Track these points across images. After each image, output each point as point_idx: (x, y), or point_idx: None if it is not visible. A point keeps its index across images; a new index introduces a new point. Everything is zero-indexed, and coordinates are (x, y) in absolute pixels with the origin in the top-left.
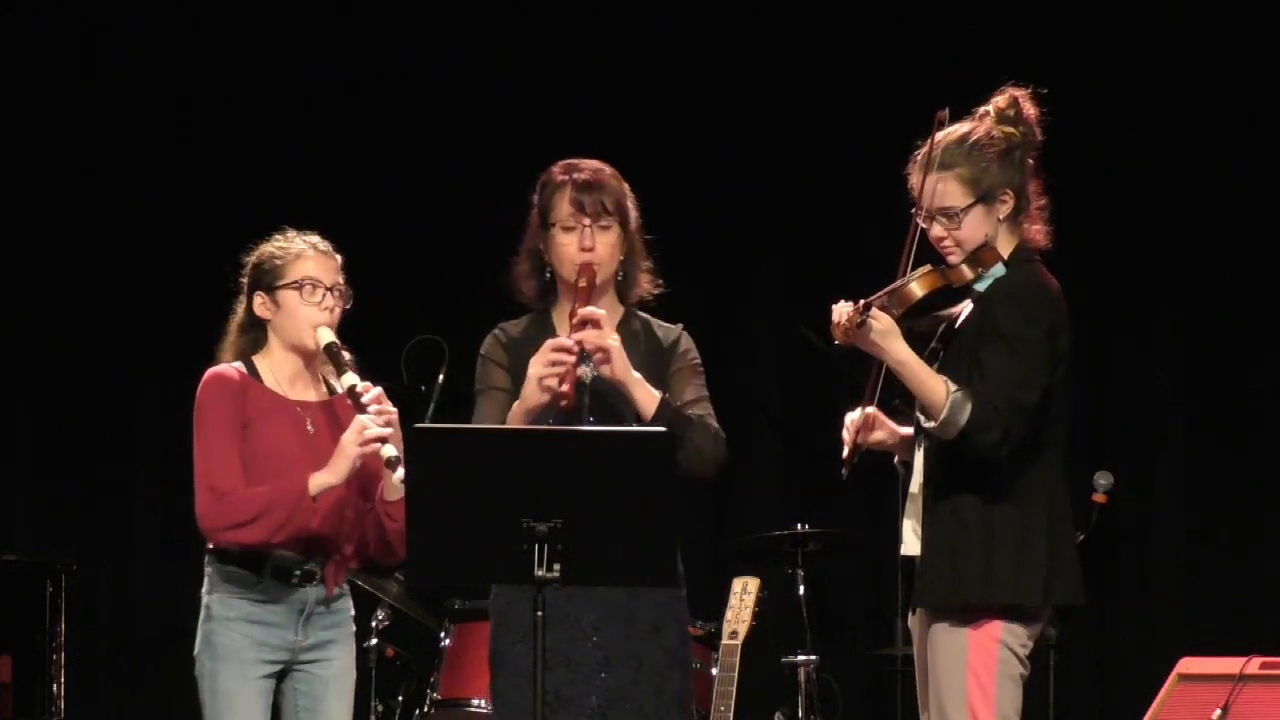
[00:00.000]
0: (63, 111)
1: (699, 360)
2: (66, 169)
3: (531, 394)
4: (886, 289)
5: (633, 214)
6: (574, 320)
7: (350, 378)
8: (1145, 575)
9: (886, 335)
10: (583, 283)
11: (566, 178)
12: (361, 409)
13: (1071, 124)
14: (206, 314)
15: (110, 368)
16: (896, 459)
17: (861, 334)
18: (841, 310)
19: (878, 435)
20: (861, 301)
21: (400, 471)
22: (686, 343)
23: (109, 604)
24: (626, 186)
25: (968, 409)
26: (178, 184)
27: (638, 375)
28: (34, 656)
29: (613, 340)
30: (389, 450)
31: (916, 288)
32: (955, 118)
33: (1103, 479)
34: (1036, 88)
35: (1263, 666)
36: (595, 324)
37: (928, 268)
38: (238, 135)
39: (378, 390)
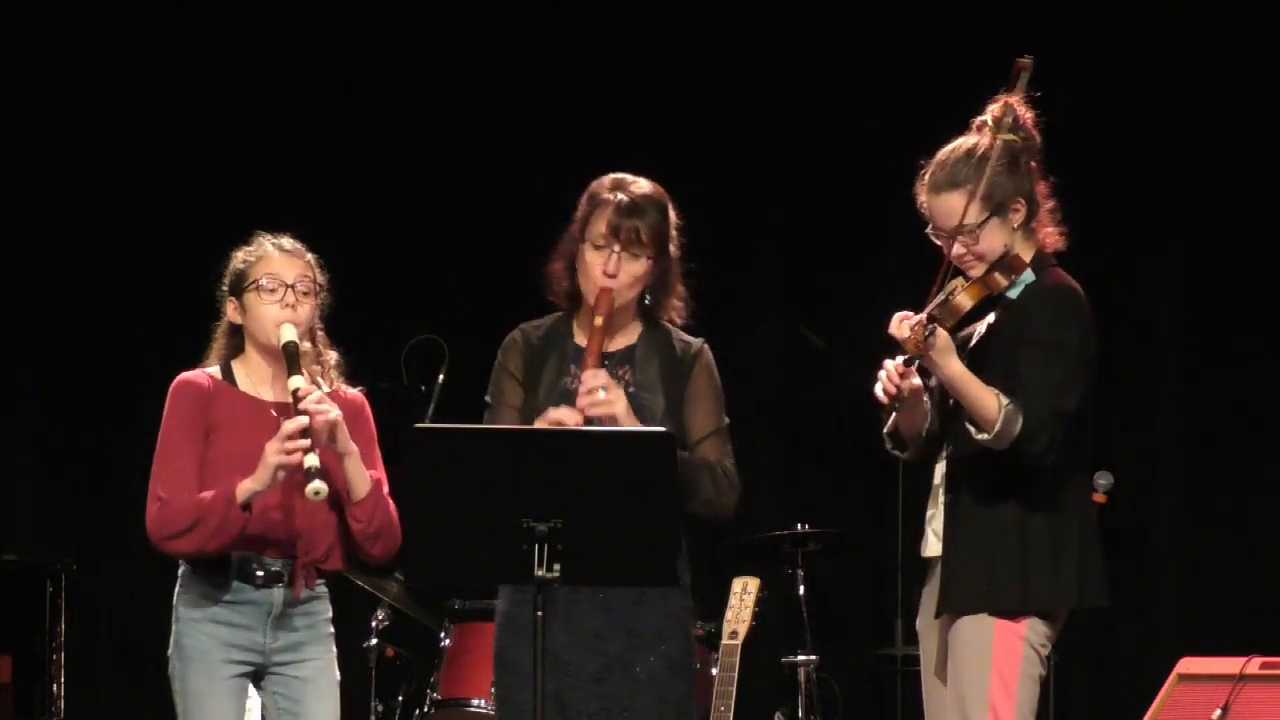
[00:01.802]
0: (65, 108)
1: (718, 382)
2: (68, 169)
3: None
4: (935, 302)
5: (672, 244)
6: (580, 388)
7: (296, 380)
8: (1145, 575)
9: (944, 352)
10: (598, 318)
11: (612, 196)
12: (299, 413)
13: (1071, 123)
14: (207, 315)
15: (111, 368)
16: (887, 431)
17: (926, 348)
18: (907, 324)
19: (915, 385)
20: (925, 314)
21: (317, 484)
22: (706, 359)
23: (109, 604)
24: (672, 215)
25: (1019, 420)
26: (178, 185)
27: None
28: (34, 656)
29: (618, 406)
30: (311, 459)
31: (966, 299)
32: (953, 129)
33: (1103, 479)
34: (1029, 92)
35: (1263, 666)
36: (589, 393)
37: (965, 280)
38: (239, 135)
39: (318, 394)
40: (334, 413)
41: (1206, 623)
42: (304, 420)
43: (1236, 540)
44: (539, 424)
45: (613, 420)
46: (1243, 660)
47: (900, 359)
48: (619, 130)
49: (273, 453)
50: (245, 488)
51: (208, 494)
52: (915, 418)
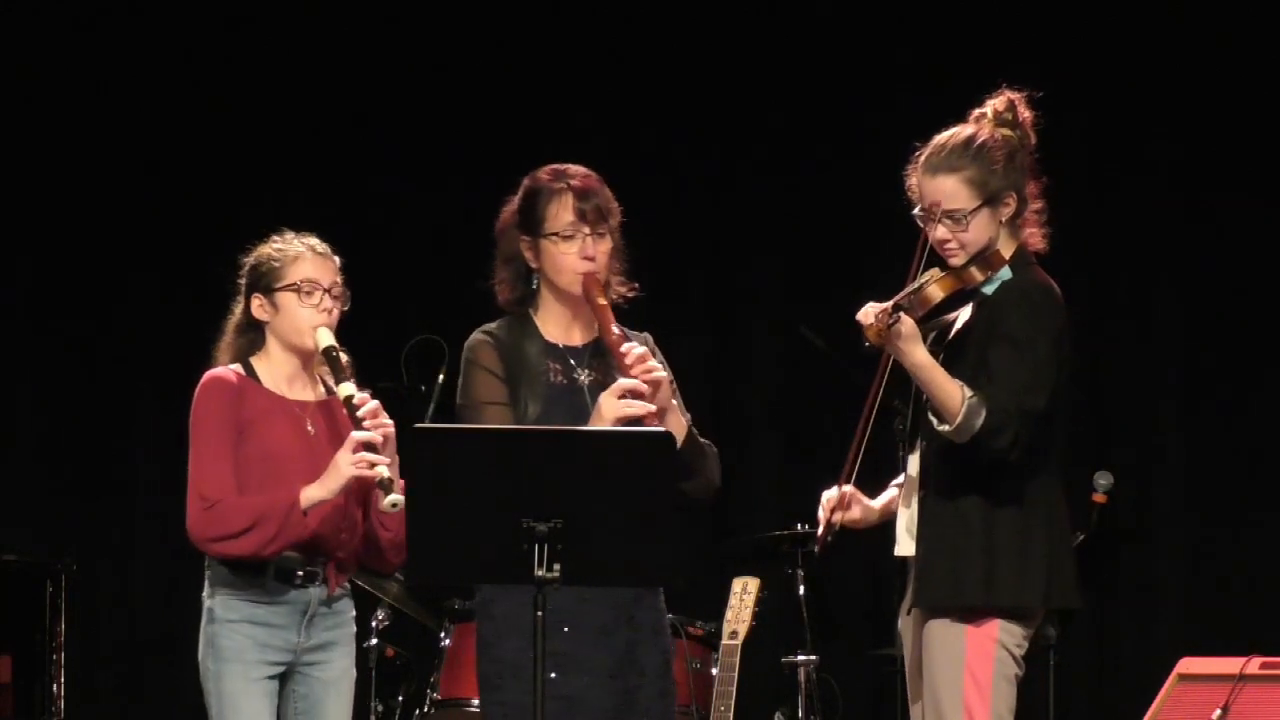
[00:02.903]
0: (66, 110)
1: (671, 373)
2: (67, 169)
3: (615, 410)
4: (906, 291)
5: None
6: (624, 359)
7: (348, 388)
8: (1145, 575)
9: (909, 339)
10: (601, 300)
11: (563, 185)
12: (357, 423)
13: (1071, 123)
14: (206, 313)
15: (110, 367)
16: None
17: (890, 335)
18: (871, 311)
19: (852, 514)
20: (891, 303)
21: (396, 497)
22: (659, 352)
23: (109, 604)
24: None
25: (982, 414)
26: (177, 184)
27: (676, 402)
28: (34, 656)
29: (662, 373)
30: (384, 471)
31: (937, 290)
32: (948, 121)
33: (1103, 479)
34: (1032, 91)
35: (1263, 666)
36: (642, 360)
37: (940, 271)
38: (238, 134)
39: (375, 404)
40: (390, 424)
41: (1206, 623)
42: (374, 435)
43: (1236, 540)
44: (610, 395)
45: (659, 386)
46: (1243, 660)
47: (835, 489)
48: (617, 131)
49: (345, 463)
50: (312, 496)
51: (264, 496)
52: (875, 520)
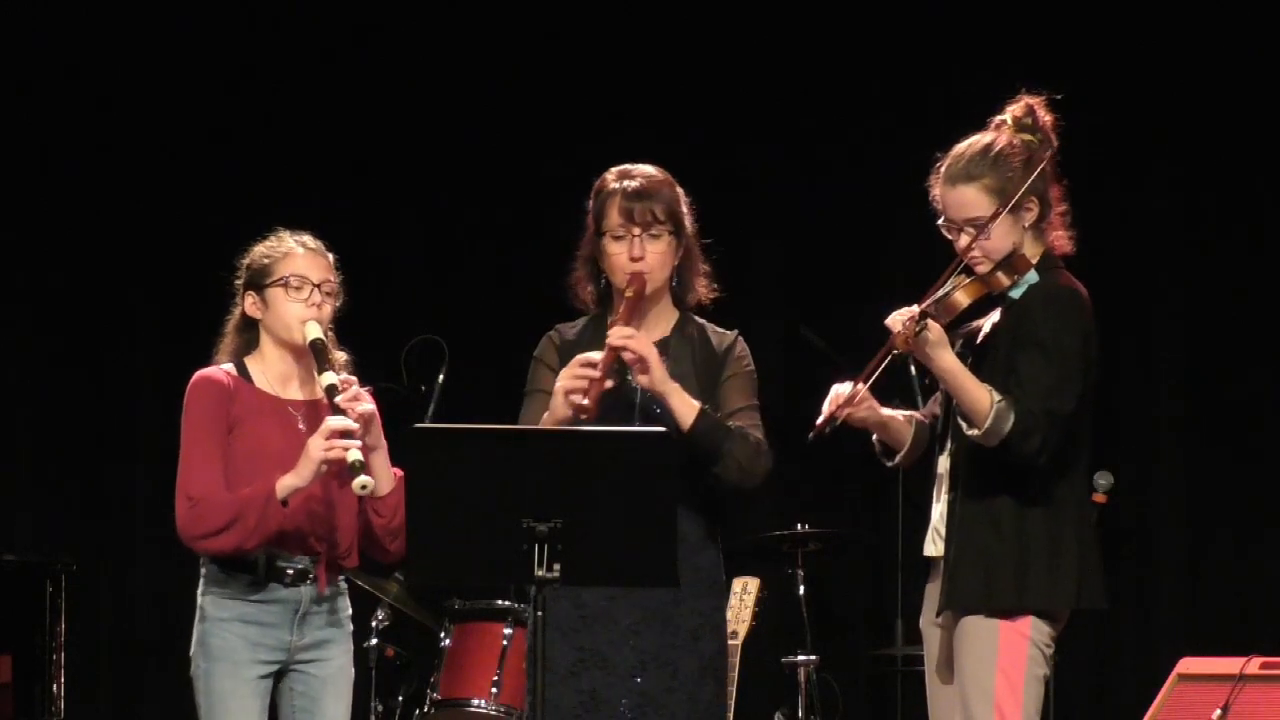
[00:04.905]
0: (67, 109)
1: (752, 367)
2: (71, 175)
3: (558, 406)
4: (932, 297)
5: (688, 219)
6: (608, 337)
7: (329, 376)
8: (1145, 575)
9: (936, 345)
10: (629, 293)
11: (618, 186)
12: (335, 409)
13: (1071, 123)
14: (207, 314)
15: (111, 367)
16: (875, 438)
17: (918, 343)
18: (899, 319)
19: (860, 413)
20: (918, 309)
21: (364, 479)
22: (741, 349)
23: (109, 604)
24: (680, 192)
25: (1011, 418)
26: (179, 184)
27: (675, 384)
28: (34, 656)
29: (649, 349)
30: (353, 455)
31: (962, 296)
32: (966, 127)
33: (1103, 479)
34: (1051, 94)
35: (1263, 666)
36: (356, 398)
37: (966, 277)
38: (239, 135)
39: (354, 390)
40: (370, 406)
41: (1206, 623)
42: (349, 421)
43: (1236, 540)
44: (570, 367)
45: (644, 364)
46: (1243, 660)
47: (849, 384)
48: (616, 131)
49: (316, 448)
50: (286, 484)
51: (244, 491)
52: (890, 432)
